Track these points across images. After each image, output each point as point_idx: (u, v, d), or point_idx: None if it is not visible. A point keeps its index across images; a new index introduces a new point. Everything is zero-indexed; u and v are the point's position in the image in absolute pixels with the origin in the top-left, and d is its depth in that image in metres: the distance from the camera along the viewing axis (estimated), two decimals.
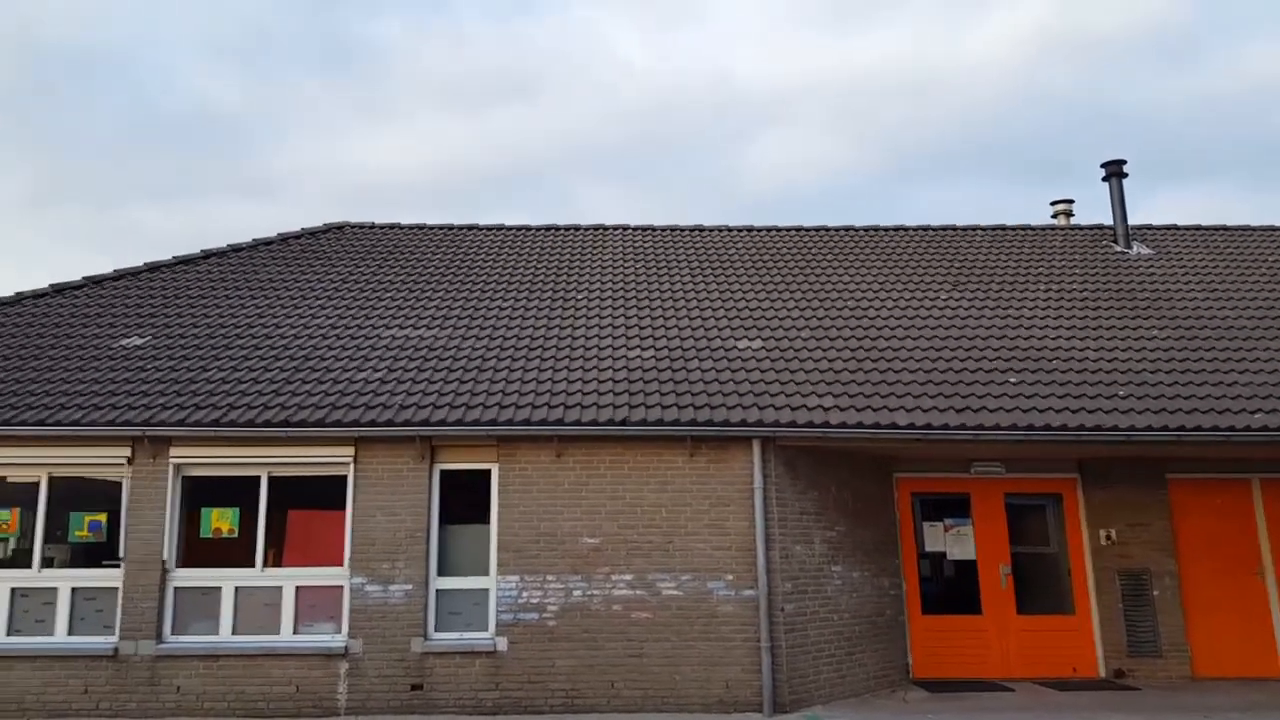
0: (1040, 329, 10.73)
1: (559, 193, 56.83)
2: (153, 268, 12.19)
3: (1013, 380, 9.43)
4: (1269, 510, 10.37)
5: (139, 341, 10.20)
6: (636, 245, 13.57)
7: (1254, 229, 14.13)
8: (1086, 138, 50.71)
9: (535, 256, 13.02)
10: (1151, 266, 12.76)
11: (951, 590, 10.25)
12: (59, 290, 11.51)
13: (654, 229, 14.19)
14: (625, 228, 14.24)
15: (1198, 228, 14.16)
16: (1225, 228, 14.16)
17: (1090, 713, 8.16)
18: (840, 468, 9.42)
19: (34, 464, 8.71)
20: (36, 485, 8.74)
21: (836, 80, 56.26)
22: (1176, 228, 14.17)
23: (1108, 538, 10.10)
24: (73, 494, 8.81)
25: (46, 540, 8.65)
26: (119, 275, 11.95)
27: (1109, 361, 9.93)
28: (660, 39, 59.09)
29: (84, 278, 11.79)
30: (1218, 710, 8.27)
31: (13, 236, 47.98)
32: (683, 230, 14.18)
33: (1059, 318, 11.06)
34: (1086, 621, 10.04)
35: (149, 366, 9.57)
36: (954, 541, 10.32)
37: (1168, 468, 10.26)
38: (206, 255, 12.60)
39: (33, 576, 8.55)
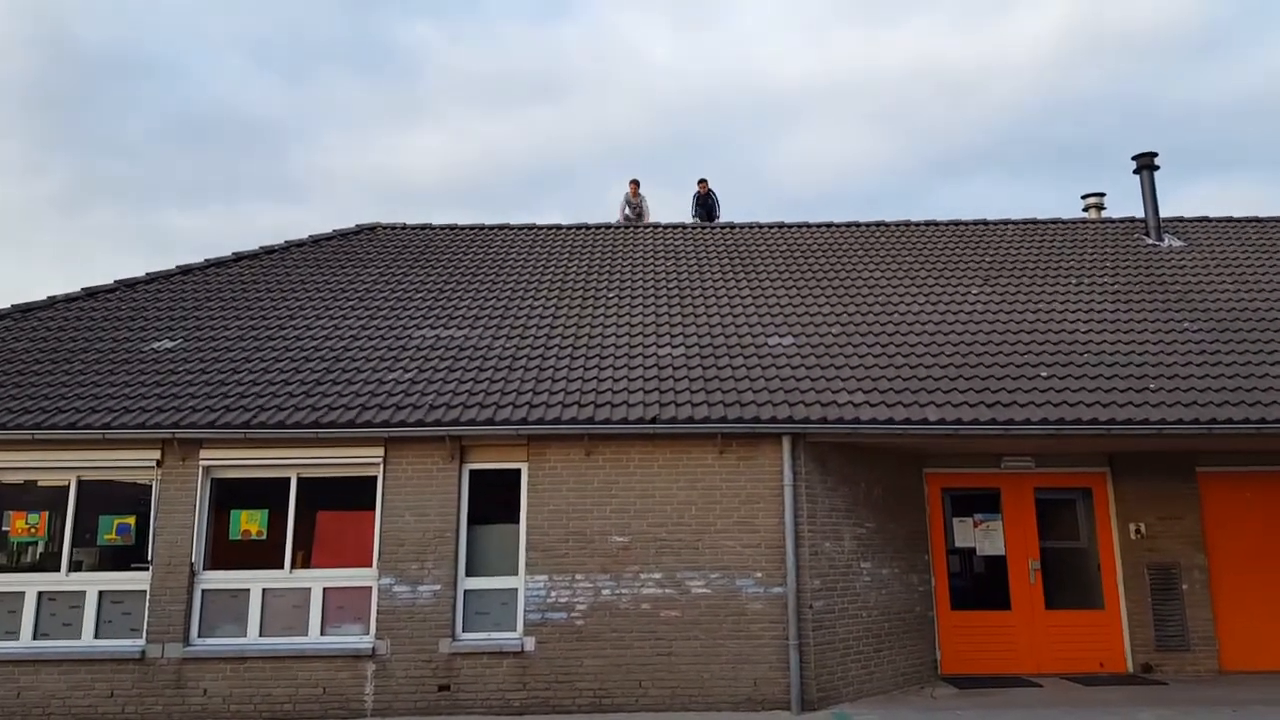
0: (1071, 323, 10.62)
1: (592, 191, 57.00)
2: (184, 270, 12.26)
3: (1043, 374, 9.34)
4: None
5: (170, 344, 10.25)
6: (667, 242, 13.55)
7: None
8: (1119, 133, 50.35)
9: (566, 255, 13.01)
10: (1183, 259, 12.61)
11: (980, 586, 10.17)
12: (90, 294, 11.58)
13: (684, 226, 14.20)
14: (655, 225, 14.24)
15: (1229, 219, 13.99)
16: (1258, 219, 13.99)
17: (1118, 707, 8.10)
18: (871, 464, 9.36)
19: (63, 467, 8.75)
20: (66, 489, 8.79)
21: (867, 78, 56.03)
22: (1208, 220, 14.01)
23: (1137, 532, 10.00)
24: (101, 497, 8.84)
25: (75, 544, 8.69)
26: (150, 278, 12.02)
27: (1140, 355, 9.82)
28: (690, 38, 59.08)
29: (115, 281, 11.86)
30: (1246, 704, 8.19)
31: (48, 236, 48.52)
32: (713, 227, 14.15)
33: (1090, 311, 10.95)
34: (1115, 616, 9.95)
35: (179, 369, 9.61)
36: (983, 537, 10.24)
37: (1198, 461, 10.15)
38: (238, 258, 12.66)
39: (60, 580, 8.59)
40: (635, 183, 15.40)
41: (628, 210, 15.23)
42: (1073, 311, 10.95)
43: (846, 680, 8.55)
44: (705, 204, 15.66)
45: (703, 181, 15.75)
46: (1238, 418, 8.59)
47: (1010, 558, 10.17)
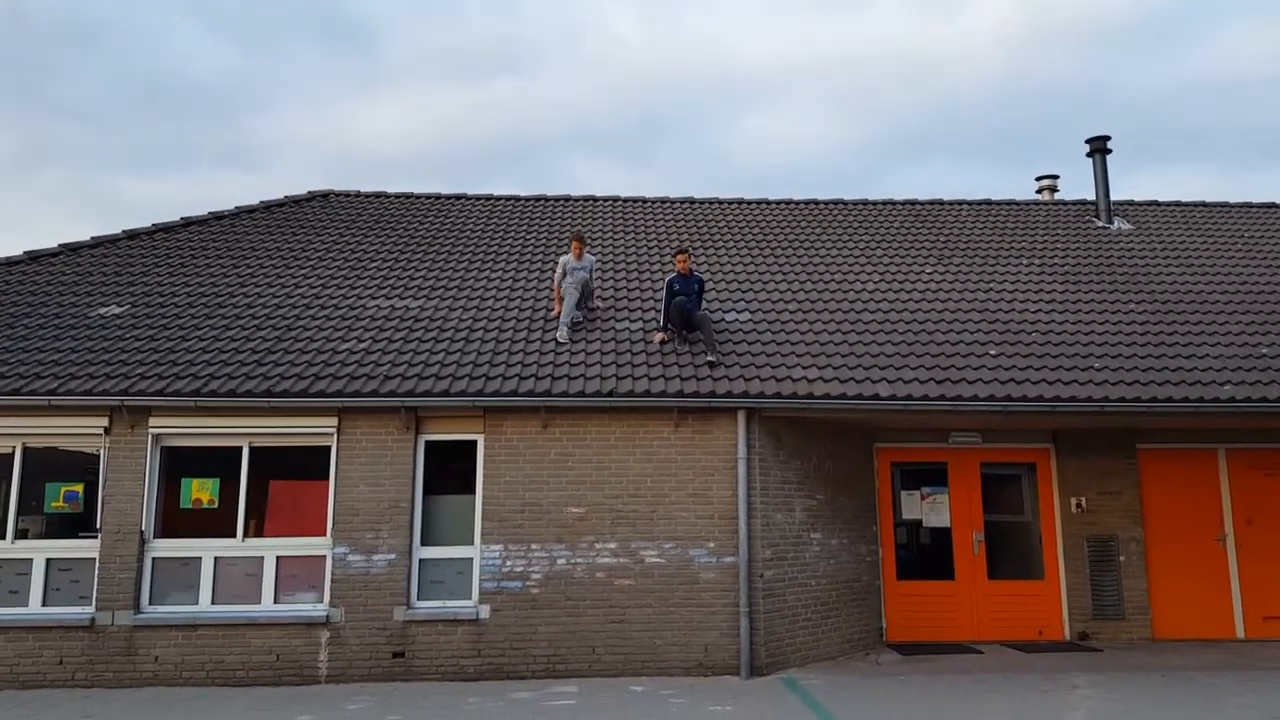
0: (1021, 302, 10.86)
1: (552, 167, 56.46)
2: (131, 235, 11.97)
3: (992, 353, 9.56)
4: (1233, 479, 10.67)
5: (117, 310, 10.04)
6: (626, 216, 13.51)
7: (1232, 205, 14.35)
8: (1074, 120, 51.03)
9: (524, 227, 12.92)
10: (1131, 241, 12.91)
11: (926, 557, 10.47)
12: (34, 257, 11.27)
13: (644, 200, 14.14)
14: (615, 199, 14.16)
15: (1178, 204, 14.34)
16: (1204, 204, 14.36)
17: (1054, 672, 8.42)
18: (823, 438, 9.54)
19: (8, 434, 8.58)
20: (11, 456, 8.63)
21: (829, 59, 55.99)
22: (1157, 204, 14.35)
23: (1078, 505, 10.33)
24: (48, 464, 8.70)
25: (21, 511, 8.55)
26: (96, 243, 11.73)
27: (1086, 334, 10.08)
28: (655, 15, 58.35)
29: (60, 245, 11.56)
30: (1175, 669, 8.57)
31: None
32: (673, 202, 14.12)
33: (1039, 291, 11.19)
34: (1054, 586, 10.30)
35: (127, 336, 9.44)
36: (930, 509, 10.52)
37: (1138, 438, 10.49)
38: (187, 223, 12.39)
39: (5, 548, 8.46)
40: (580, 241, 10.12)
41: (569, 279, 9.89)
42: (1023, 291, 11.19)
43: (795, 646, 8.78)
44: (687, 292, 9.60)
45: (683, 255, 9.76)
46: (1177, 396, 8.89)
47: (955, 530, 10.46)
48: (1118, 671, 8.46)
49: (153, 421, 8.56)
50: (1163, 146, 53.97)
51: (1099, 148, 13.96)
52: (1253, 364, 9.47)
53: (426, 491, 8.69)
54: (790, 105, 59.17)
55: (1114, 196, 13.93)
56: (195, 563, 8.49)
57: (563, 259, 10.08)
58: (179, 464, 8.73)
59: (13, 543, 8.49)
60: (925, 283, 11.37)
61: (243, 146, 55.81)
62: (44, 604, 8.38)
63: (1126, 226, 13.45)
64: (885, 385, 8.85)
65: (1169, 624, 10.20)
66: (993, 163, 57.12)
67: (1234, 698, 7.40)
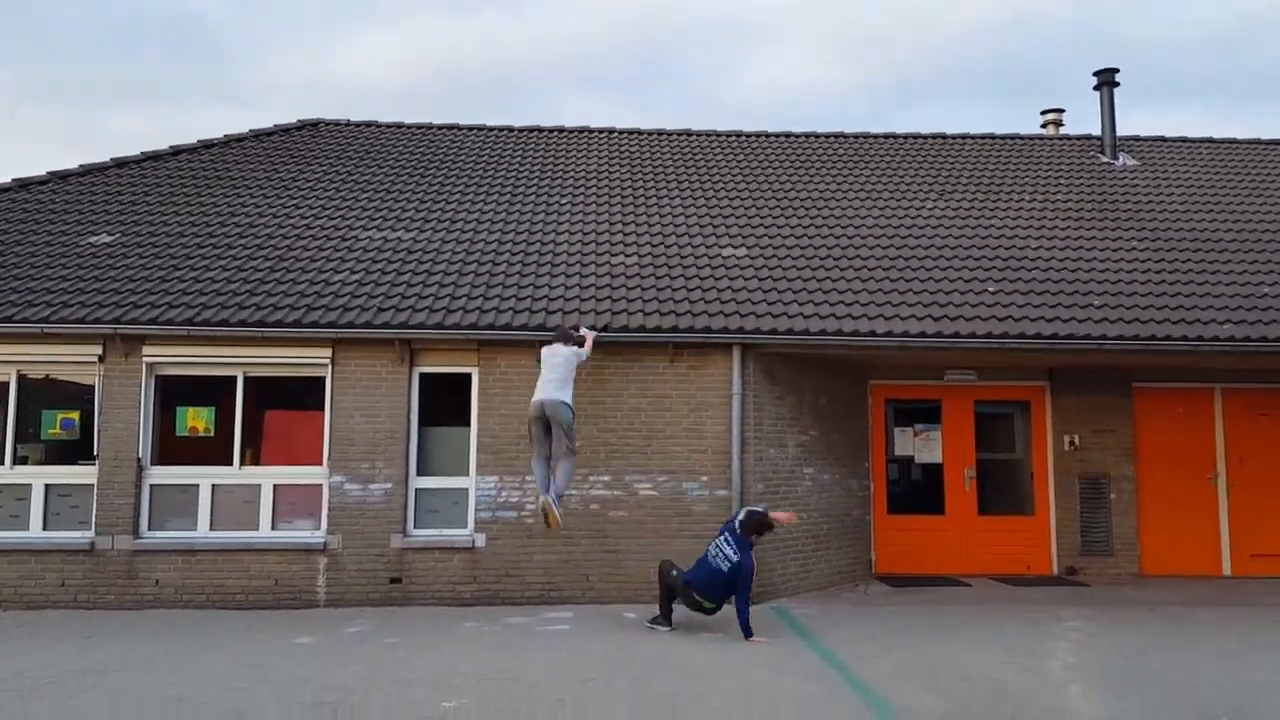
0: (1022, 238, 10.72)
1: (547, 102, 55.22)
2: (120, 164, 11.75)
3: (991, 289, 9.47)
4: (1227, 418, 10.70)
5: (108, 239, 9.93)
6: (622, 149, 13.24)
7: (1240, 142, 14.04)
8: (1082, 64, 49.79)
9: (518, 158, 12.68)
10: (1136, 178, 12.69)
11: (917, 492, 10.58)
12: (23, 185, 11.10)
13: (640, 132, 13.83)
14: (611, 130, 13.85)
15: (1184, 140, 14.05)
16: (1211, 140, 14.05)
17: (1041, 605, 8.57)
18: (818, 374, 9.53)
19: (3, 361, 8.59)
20: (6, 384, 8.65)
21: None
22: (1164, 139, 14.05)
23: (1071, 443, 10.38)
24: (44, 392, 8.74)
25: (18, 439, 8.61)
26: (85, 171, 11.54)
27: (1087, 271, 9.98)
28: None
29: (49, 173, 11.37)
30: (1161, 604, 8.71)
31: None
32: (670, 134, 13.82)
33: (1041, 227, 11.04)
34: (1044, 522, 10.42)
35: (119, 264, 9.35)
36: (922, 446, 10.58)
37: (1135, 376, 10.47)
38: (176, 152, 12.17)
39: (4, 473, 8.54)
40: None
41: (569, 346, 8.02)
42: (1024, 227, 11.04)
43: (785, 577, 8.92)
44: None
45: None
46: (1176, 335, 8.83)
47: (947, 466, 10.54)
48: (1104, 605, 8.59)
49: (146, 350, 8.54)
50: (1171, 86, 52.74)
51: (1106, 80, 13.60)
52: (1254, 303, 9.40)
53: (422, 423, 8.72)
54: (792, 45, 57.64)
55: (1120, 133, 13.64)
56: (193, 490, 8.59)
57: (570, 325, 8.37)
58: (174, 393, 8.75)
59: (12, 468, 8.57)
60: (925, 218, 11.20)
61: (236, 82, 54.67)
62: (44, 528, 8.50)
63: (1131, 162, 13.20)
64: (882, 322, 8.79)
65: (1157, 560, 10.34)
66: (998, 105, 55.92)
67: (1220, 632, 7.52)
